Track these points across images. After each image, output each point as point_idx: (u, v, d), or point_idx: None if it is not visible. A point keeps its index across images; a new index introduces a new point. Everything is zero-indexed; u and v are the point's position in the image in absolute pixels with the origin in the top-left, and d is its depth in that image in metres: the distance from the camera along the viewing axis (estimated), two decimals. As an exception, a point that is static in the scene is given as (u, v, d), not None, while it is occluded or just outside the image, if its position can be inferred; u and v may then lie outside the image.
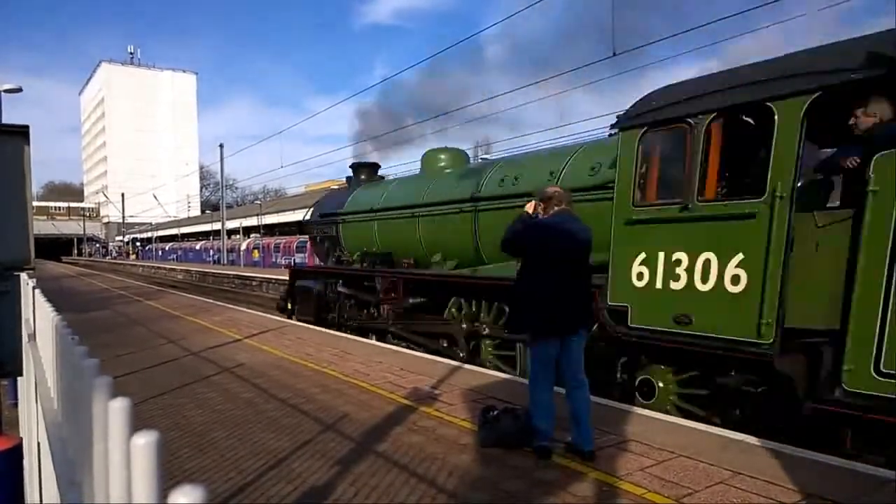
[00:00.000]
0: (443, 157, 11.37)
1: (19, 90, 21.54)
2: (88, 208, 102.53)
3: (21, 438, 2.69)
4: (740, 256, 4.81)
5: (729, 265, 4.87)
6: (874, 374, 4.02)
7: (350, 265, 12.16)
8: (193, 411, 5.60)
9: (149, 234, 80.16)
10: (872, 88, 4.40)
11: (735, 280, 4.84)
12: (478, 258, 9.11)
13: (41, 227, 72.24)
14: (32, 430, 2.78)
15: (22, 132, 4.58)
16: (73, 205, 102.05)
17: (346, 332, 11.04)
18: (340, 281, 11.75)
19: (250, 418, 5.33)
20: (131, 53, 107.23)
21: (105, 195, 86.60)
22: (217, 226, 53.07)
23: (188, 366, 7.83)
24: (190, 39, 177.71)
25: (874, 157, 4.10)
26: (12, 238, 4.51)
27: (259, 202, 66.83)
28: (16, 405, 5.71)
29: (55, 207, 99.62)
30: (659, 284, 5.37)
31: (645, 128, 5.65)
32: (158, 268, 51.26)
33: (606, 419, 5.07)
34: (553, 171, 7.82)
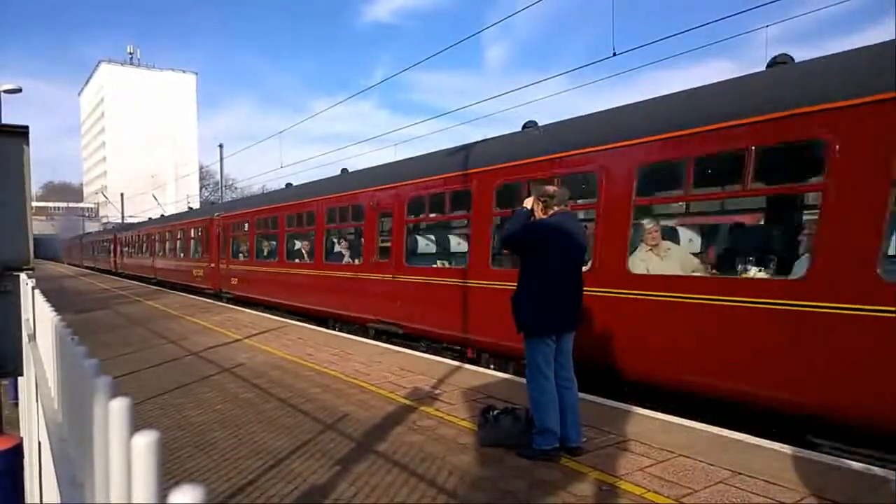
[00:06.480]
0: None
1: (19, 90, 21.54)
2: (88, 208, 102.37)
3: (21, 438, 2.69)
4: None
5: None
6: None
7: None
8: (193, 411, 5.60)
9: (148, 235, 79.87)
10: None
11: None
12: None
13: (40, 227, 72.09)
14: (33, 430, 2.78)
15: (22, 132, 4.57)
16: (72, 205, 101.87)
17: None
18: None
19: (250, 418, 5.33)
20: (131, 54, 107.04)
21: (104, 195, 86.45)
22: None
23: (188, 366, 7.83)
24: (190, 39, 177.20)
25: None
26: (11, 238, 4.49)
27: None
28: (16, 405, 5.71)
29: (54, 207, 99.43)
30: None
31: None
32: (158, 268, 51.19)
33: (606, 419, 5.07)
34: None
